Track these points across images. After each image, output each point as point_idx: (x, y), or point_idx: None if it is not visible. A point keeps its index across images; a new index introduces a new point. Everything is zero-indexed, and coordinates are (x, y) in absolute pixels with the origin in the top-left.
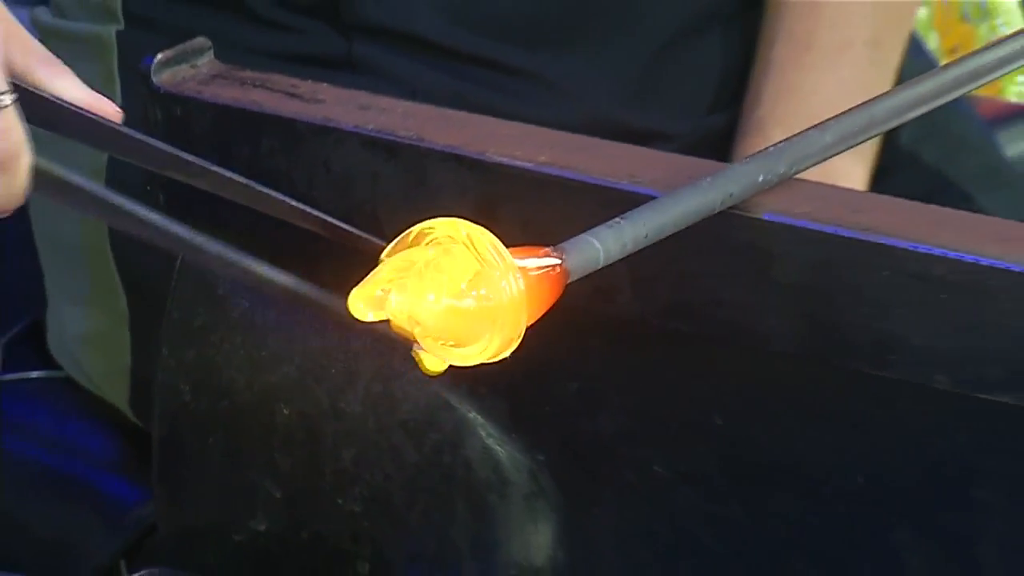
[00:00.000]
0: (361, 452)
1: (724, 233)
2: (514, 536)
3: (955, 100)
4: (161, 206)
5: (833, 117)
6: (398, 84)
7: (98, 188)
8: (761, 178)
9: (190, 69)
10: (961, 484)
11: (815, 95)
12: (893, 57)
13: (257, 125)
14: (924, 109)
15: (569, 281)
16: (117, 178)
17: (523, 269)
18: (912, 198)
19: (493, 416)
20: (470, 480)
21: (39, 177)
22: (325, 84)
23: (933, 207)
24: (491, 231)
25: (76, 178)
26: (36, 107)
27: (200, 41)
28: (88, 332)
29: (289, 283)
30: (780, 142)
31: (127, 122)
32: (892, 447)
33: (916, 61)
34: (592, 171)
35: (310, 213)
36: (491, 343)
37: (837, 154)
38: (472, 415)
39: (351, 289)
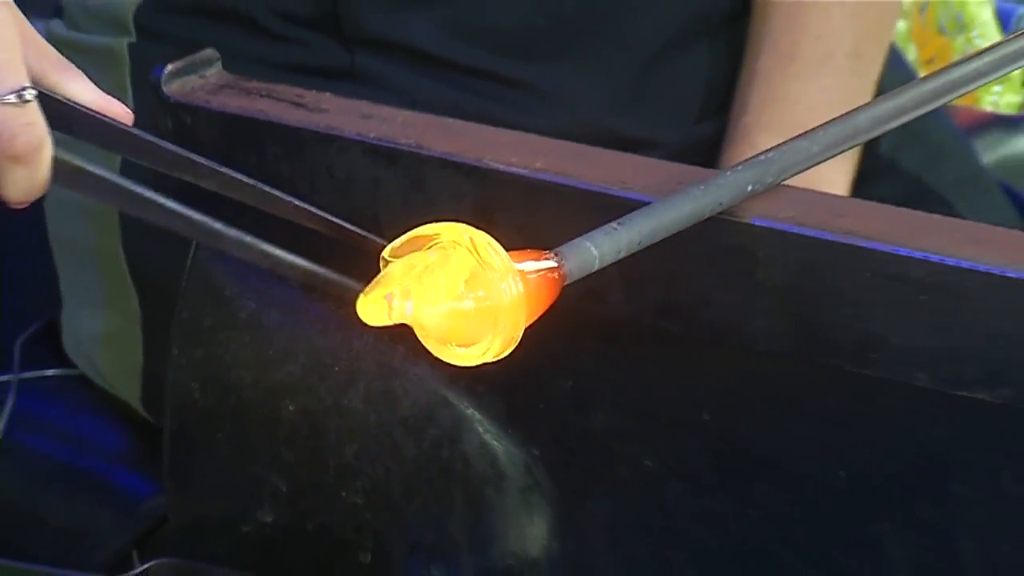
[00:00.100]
0: (363, 447)
1: (712, 236)
2: (510, 528)
3: (933, 109)
4: None
5: (819, 126)
6: (398, 94)
7: (116, 177)
8: (750, 188)
9: (199, 79)
10: (940, 477)
11: (799, 104)
12: (873, 68)
13: (263, 133)
14: (906, 119)
15: (566, 284)
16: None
17: (522, 272)
18: (892, 203)
19: (490, 413)
20: (468, 474)
21: (59, 168)
22: (328, 94)
23: (912, 212)
24: (488, 234)
25: (95, 168)
26: (50, 109)
27: (208, 53)
28: (102, 332)
29: (304, 265)
30: (768, 150)
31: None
32: (873, 442)
33: (895, 72)
34: (585, 177)
35: (313, 212)
36: (493, 344)
37: (822, 162)
38: (470, 412)
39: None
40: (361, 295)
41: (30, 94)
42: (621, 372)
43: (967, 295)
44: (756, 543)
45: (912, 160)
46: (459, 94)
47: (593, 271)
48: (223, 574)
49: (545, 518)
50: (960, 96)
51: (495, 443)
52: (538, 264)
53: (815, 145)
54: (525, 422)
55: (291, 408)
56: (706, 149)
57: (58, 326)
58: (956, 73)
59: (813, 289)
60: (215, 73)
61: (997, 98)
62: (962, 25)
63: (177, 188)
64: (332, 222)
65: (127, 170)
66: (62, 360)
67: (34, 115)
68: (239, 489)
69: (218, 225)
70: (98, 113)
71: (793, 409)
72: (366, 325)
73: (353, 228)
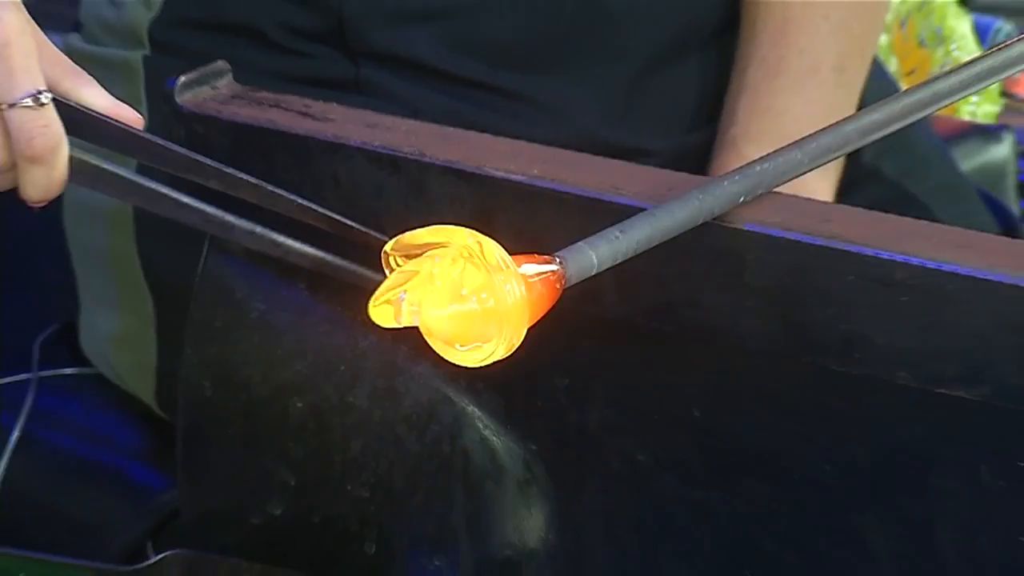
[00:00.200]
0: (368, 443)
1: (703, 240)
2: (509, 520)
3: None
4: None
5: (809, 137)
6: (402, 105)
7: (131, 173)
8: (742, 199)
9: (210, 90)
10: (921, 471)
11: (785, 115)
12: (857, 80)
13: (272, 141)
14: (890, 129)
15: (566, 287)
16: None
17: (525, 276)
18: (875, 210)
19: (489, 409)
20: (468, 468)
21: (76, 167)
22: (335, 104)
23: (895, 217)
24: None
25: (110, 166)
26: (63, 115)
27: (220, 65)
28: (117, 333)
29: (313, 253)
30: (762, 159)
31: None
32: (857, 438)
33: (879, 83)
34: (580, 184)
35: (318, 211)
36: (498, 345)
37: (810, 170)
38: (470, 409)
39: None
40: (372, 300)
41: (46, 97)
42: (615, 370)
43: (948, 297)
44: (744, 534)
45: (894, 167)
46: (459, 104)
47: (592, 275)
48: (233, 564)
49: (542, 510)
50: (942, 108)
51: (494, 439)
52: (540, 268)
53: (805, 155)
54: (523, 418)
55: (299, 405)
56: (696, 158)
57: (76, 327)
58: (938, 86)
59: (800, 291)
60: (226, 84)
61: (975, 108)
62: (941, 38)
63: (187, 190)
64: (336, 220)
65: (141, 173)
66: (79, 359)
67: (50, 117)
68: (249, 483)
69: (230, 217)
70: (110, 118)
71: (780, 406)
72: (371, 326)
73: (356, 225)
